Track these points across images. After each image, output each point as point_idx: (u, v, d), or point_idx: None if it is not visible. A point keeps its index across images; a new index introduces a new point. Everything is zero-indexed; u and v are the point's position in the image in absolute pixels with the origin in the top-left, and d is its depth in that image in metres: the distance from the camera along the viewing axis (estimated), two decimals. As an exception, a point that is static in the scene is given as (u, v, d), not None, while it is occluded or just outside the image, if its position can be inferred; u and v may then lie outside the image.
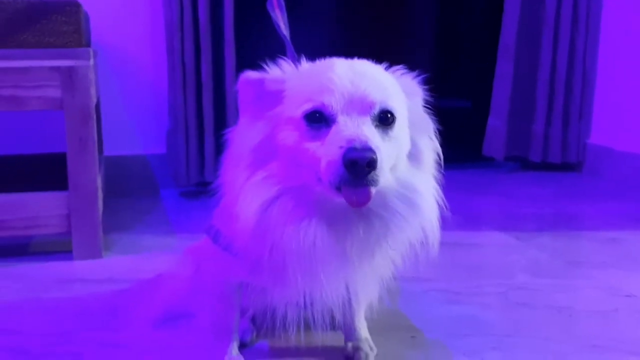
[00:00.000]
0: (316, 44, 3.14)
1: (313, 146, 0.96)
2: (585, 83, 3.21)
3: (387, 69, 1.07)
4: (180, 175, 2.66)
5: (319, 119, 0.97)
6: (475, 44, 3.62)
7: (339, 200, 0.95)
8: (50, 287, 1.68)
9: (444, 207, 1.10)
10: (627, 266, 1.89)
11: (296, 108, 0.98)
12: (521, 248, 2.06)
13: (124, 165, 2.76)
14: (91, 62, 1.85)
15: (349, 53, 1.10)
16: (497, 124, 3.21)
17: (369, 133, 0.95)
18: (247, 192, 0.99)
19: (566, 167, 3.28)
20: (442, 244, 1.11)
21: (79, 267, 1.84)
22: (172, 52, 2.59)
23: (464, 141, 3.42)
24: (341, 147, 0.91)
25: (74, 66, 1.77)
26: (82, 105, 1.80)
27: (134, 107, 2.77)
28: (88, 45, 2.01)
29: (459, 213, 2.45)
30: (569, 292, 1.68)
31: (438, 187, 1.10)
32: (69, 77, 1.77)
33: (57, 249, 1.97)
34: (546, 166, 3.28)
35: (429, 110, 1.11)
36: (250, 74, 1.05)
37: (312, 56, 1.11)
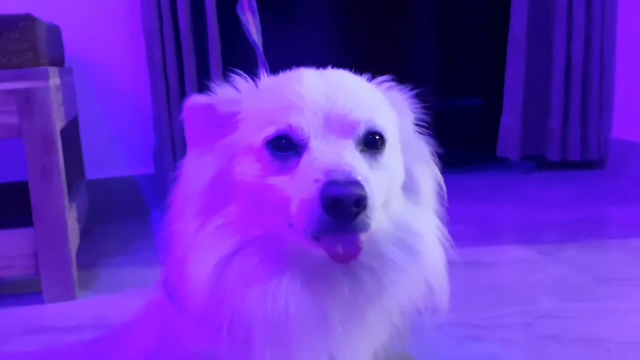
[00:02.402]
0: (308, 45, 2.95)
1: (280, 181, 0.75)
2: (603, 74, 2.99)
3: (369, 80, 0.86)
4: (169, 195, 2.47)
5: (286, 146, 0.76)
6: (484, 39, 3.41)
7: (319, 253, 0.74)
8: (12, 339, 1.50)
9: (451, 249, 0.88)
10: (667, 282, 1.66)
11: (256, 134, 0.78)
12: (544, 264, 1.83)
13: (109, 188, 2.57)
14: (53, 82, 1.66)
15: (346, 55, 0.88)
16: (511, 122, 2.99)
17: (353, 160, 0.74)
18: (198, 247, 0.78)
19: (587, 165, 3.06)
20: (455, 264, 0.91)
21: (48, 312, 1.65)
22: (154, 64, 2.40)
23: (476, 142, 3.24)
24: (317, 180, 0.70)
25: (31, 88, 1.58)
26: (44, 131, 1.60)
27: (117, 125, 2.59)
28: (52, 63, 1.82)
29: (472, 224, 2.23)
30: (603, 319, 1.46)
31: (442, 226, 0.88)
32: (27, 100, 1.57)
33: (29, 289, 1.78)
34: (565, 165, 3.06)
35: (423, 130, 0.89)
36: (198, 99, 0.85)
37: (296, 64, 0.90)
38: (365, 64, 0.91)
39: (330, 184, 0.69)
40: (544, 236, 2.11)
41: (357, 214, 0.69)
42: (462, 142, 3.17)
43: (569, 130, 2.99)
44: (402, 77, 0.95)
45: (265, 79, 0.86)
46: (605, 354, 1.29)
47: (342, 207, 0.68)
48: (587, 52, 2.94)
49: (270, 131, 0.76)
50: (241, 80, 0.85)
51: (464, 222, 2.23)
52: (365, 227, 0.71)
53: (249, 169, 0.77)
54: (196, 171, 0.82)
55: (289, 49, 2.67)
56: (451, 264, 0.90)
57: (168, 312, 0.94)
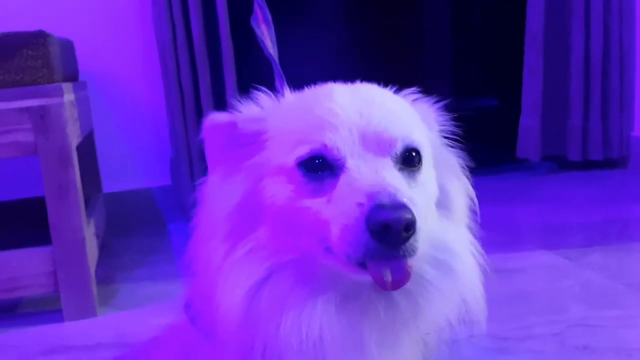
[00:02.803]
0: (319, 50, 2.92)
1: (316, 204, 0.71)
2: (623, 70, 2.93)
3: (396, 93, 0.83)
4: (187, 207, 2.45)
5: (320, 167, 0.72)
6: (499, 37, 3.35)
7: (361, 279, 0.71)
8: (33, 359, 1.48)
9: (486, 266, 0.84)
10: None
11: (286, 153, 0.74)
12: (572, 270, 1.79)
13: (126, 201, 2.56)
14: (67, 98, 1.65)
15: (360, 58, 0.85)
16: (530, 122, 2.94)
17: (395, 180, 0.70)
18: (227, 273, 0.75)
19: (609, 164, 3.00)
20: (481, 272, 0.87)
21: (68, 330, 1.64)
22: (167, 75, 2.39)
23: (494, 143, 3.19)
24: (360, 204, 0.66)
25: (46, 105, 1.56)
26: (59, 148, 1.59)
27: (132, 137, 2.57)
28: (66, 78, 1.81)
29: (494, 229, 2.18)
30: (636, 327, 1.42)
31: (475, 241, 0.85)
32: (41, 118, 1.56)
33: (48, 307, 1.77)
34: (587, 164, 3.00)
35: (452, 142, 0.86)
36: (218, 117, 0.82)
37: (312, 65, 0.86)
38: (380, 68, 0.88)
39: (377, 207, 0.65)
40: (569, 240, 2.06)
41: (407, 239, 0.66)
42: (480, 143, 3.10)
43: (590, 129, 2.93)
44: (417, 80, 0.92)
45: (290, 95, 0.82)
46: (641, 366, 1.25)
47: (392, 232, 0.64)
48: (606, 47, 2.88)
49: (303, 151, 0.72)
50: (264, 97, 0.82)
51: (485, 227, 2.17)
52: (413, 252, 0.67)
53: (280, 191, 0.74)
54: (222, 193, 0.78)
55: (300, 53, 2.65)
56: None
57: (190, 336, 0.91)
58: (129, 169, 2.58)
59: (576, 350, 1.33)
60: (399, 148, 0.73)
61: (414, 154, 0.74)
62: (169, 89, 2.42)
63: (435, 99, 0.85)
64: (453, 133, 0.85)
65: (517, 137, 2.98)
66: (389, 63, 2.99)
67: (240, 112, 0.81)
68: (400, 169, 0.73)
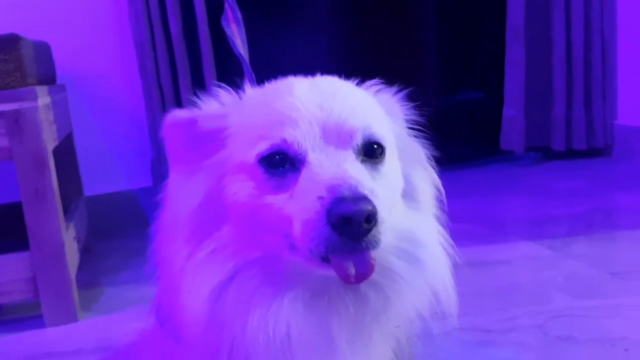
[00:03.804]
0: (302, 46, 2.90)
1: (278, 200, 0.70)
2: (605, 59, 2.93)
3: (358, 85, 0.82)
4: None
5: (281, 162, 0.71)
6: (481, 31, 3.35)
7: (326, 273, 0.70)
8: (14, 367, 1.46)
9: (454, 253, 0.84)
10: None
11: (247, 150, 0.73)
12: (556, 260, 1.78)
13: (109, 204, 2.53)
14: (42, 101, 1.63)
15: (342, 55, 0.83)
16: (513, 114, 2.94)
17: (356, 172, 0.69)
18: (191, 274, 0.74)
19: (593, 153, 3.00)
20: (464, 264, 0.86)
21: (49, 336, 1.61)
22: (146, 75, 2.36)
23: (479, 135, 3.19)
24: (321, 197, 0.65)
25: (19, 109, 1.54)
26: (34, 152, 1.57)
27: (113, 139, 2.55)
28: (41, 81, 1.78)
29: (478, 222, 2.19)
30: (620, 317, 1.41)
31: (444, 231, 0.84)
32: (15, 122, 1.54)
33: (29, 312, 1.74)
34: (571, 154, 3.01)
35: (417, 132, 0.85)
36: (178, 114, 0.80)
37: (286, 67, 0.85)
38: (361, 63, 0.87)
39: (338, 200, 0.64)
40: (554, 230, 2.06)
41: (368, 231, 0.65)
42: (465, 136, 3.12)
43: (573, 118, 2.94)
44: (399, 75, 0.91)
45: (251, 91, 0.81)
46: (624, 354, 1.24)
47: (353, 224, 0.64)
48: (587, 37, 2.89)
49: (263, 147, 0.71)
50: (224, 93, 0.80)
51: (469, 220, 2.18)
52: (376, 244, 0.67)
53: (241, 189, 0.73)
54: (183, 193, 0.77)
55: (285, 48, 2.63)
56: (458, 265, 0.86)
57: (162, 340, 0.89)
58: (110, 172, 2.56)
59: (560, 341, 1.32)
60: (359, 140, 0.72)
61: (375, 145, 0.74)
62: (148, 89, 2.40)
63: (397, 89, 0.83)
64: (418, 122, 0.83)
65: (500, 129, 2.98)
66: (371, 58, 2.97)
67: (200, 109, 0.79)
68: (363, 161, 0.73)
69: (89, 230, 2.29)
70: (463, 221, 2.15)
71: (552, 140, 2.98)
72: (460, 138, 3.03)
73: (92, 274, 2.03)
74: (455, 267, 0.86)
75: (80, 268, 1.92)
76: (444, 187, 0.88)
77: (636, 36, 2.84)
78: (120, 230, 2.49)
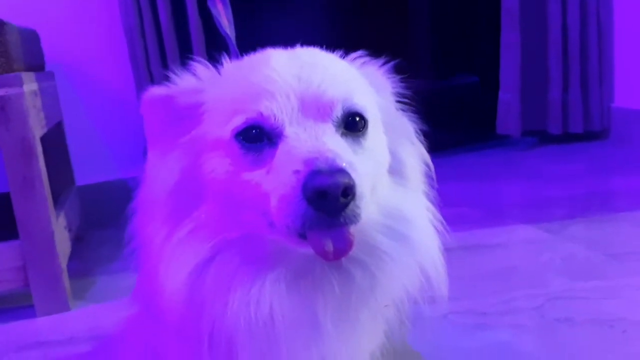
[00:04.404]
0: (295, 26, 2.86)
1: (255, 176, 0.68)
2: (601, 40, 2.90)
3: (342, 57, 0.79)
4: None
5: (257, 137, 0.69)
6: (477, 13, 3.31)
7: (305, 251, 0.67)
8: (4, 356, 1.45)
9: (445, 232, 0.82)
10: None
11: (223, 125, 0.71)
12: (553, 243, 1.76)
13: (101, 193, 2.50)
14: (29, 88, 1.60)
15: (334, 37, 0.81)
16: (509, 98, 2.91)
17: (335, 145, 0.67)
18: (169, 255, 0.72)
19: (590, 136, 2.98)
20: (461, 248, 0.85)
21: (40, 325, 1.59)
22: (136, 62, 2.33)
23: (474, 120, 3.17)
24: (297, 171, 0.63)
25: (5, 95, 1.51)
26: (21, 139, 1.54)
27: (104, 127, 2.51)
28: (29, 68, 1.75)
29: (475, 206, 2.16)
30: (617, 298, 1.39)
31: (432, 207, 0.81)
32: (1, 109, 1.51)
33: (20, 302, 1.72)
34: (568, 138, 2.98)
35: (405, 107, 0.82)
36: (155, 90, 0.78)
37: (289, 41, 0.82)
38: (357, 47, 0.84)
39: (313, 173, 0.62)
40: (551, 213, 2.03)
41: (346, 205, 0.63)
42: (460, 121, 3.10)
43: (570, 101, 2.91)
44: (395, 58, 0.88)
45: (228, 65, 0.78)
46: (621, 335, 1.23)
47: (329, 198, 0.62)
48: (583, 18, 2.85)
49: (239, 121, 0.69)
50: (201, 67, 0.78)
51: (466, 204, 2.16)
52: (355, 219, 0.65)
53: (218, 165, 0.71)
54: (160, 172, 0.75)
55: (267, 33, 2.60)
56: (454, 249, 0.84)
57: (146, 325, 0.87)
58: (102, 161, 2.53)
59: (557, 323, 1.30)
60: (339, 111, 0.70)
61: (357, 118, 0.71)
62: (138, 76, 2.37)
63: (383, 61, 0.81)
64: (405, 96, 0.81)
65: (496, 113, 2.96)
66: (366, 42, 2.94)
67: (177, 84, 0.77)
68: (344, 134, 0.70)
69: (81, 220, 2.26)
70: (459, 205, 2.13)
71: (549, 124, 2.95)
72: (455, 123, 3.00)
73: (84, 263, 2.01)
74: (451, 250, 0.84)
75: (72, 257, 1.90)
76: (439, 172, 0.85)
77: (633, 18, 2.81)
78: (112, 220, 2.45)
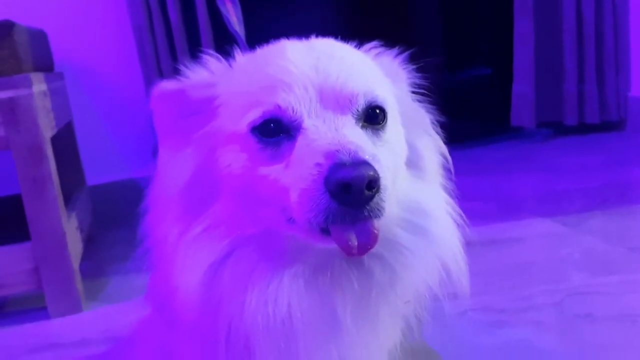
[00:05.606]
0: (306, 19, 2.84)
1: (273, 171, 0.66)
2: (617, 29, 2.85)
3: (357, 48, 0.76)
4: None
5: (275, 130, 0.67)
6: (489, 5, 3.27)
7: (327, 246, 0.65)
8: (18, 358, 1.43)
9: (464, 225, 0.79)
10: None
11: (239, 119, 0.68)
12: (571, 237, 1.73)
13: (113, 193, 2.50)
14: (38, 88, 1.58)
15: (348, 30, 0.78)
16: (523, 89, 2.87)
17: (357, 138, 0.64)
18: (184, 253, 0.70)
19: (607, 126, 2.93)
20: (477, 243, 0.82)
21: (54, 327, 1.59)
22: (145, 61, 2.32)
23: (488, 112, 3.12)
24: (319, 164, 0.61)
25: (14, 97, 1.50)
26: (32, 141, 1.52)
27: (114, 127, 2.51)
28: (38, 69, 1.74)
29: (491, 200, 2.13)
30: (638, 292, 1.35)
31: (451, 200, 0.79)
32: (11, 110, 1.50)
33: (34, 304, 1.71)
34: (584, 128, 2.94)
35: (421, 98, 0.80)
36: (166, 85, 0.76)
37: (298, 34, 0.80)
38: (369, 39, 0.82)
39: (336, 166, 0.60)
40: (568, 206, 2.00)
41: (370, 198, 0.61)
42: (474, 113, 3.06)
43: (585, 92, 2.86)
44: (407, 50, 0.86)
45: (241, 57, 0.76)
46: (645, 331, 1.19)
47: (353, 191, 0.59)
48: (598, 6, 2.81)
49: (255, 114, 0.67)
50: (213, 61, 0.75)
51: (481, 199, 2.13)
52: (379, 212, 0.62)
53: (234, 160, 0.68)
54: (173, 168, 0.73)
55: (276, 32, 2.58)
56: (470, 244, 0.81)
57: (161, 326, 0.86)
58: (113, 160, 2.53)
59: (577, 319, 1.27)
60: (360, 104, 0.67)
61: (377, 110, 0.69)
62: (147, 75, 2.35)
63: (399, 51, 0.78)
64: (422, 87, 0.78)
65: (511, 105, 2.92)
66: (378, 34, 2.91)
67: (189, 78, 0.75)
68: (364, 127, 0.68)
69: (93, 220, 2.26)
70: (474, 199, 2.10)
71: (564, 115, 2.91)
72: (470, 115, 2.96)
73: (97, 263, 2.00)
74: (468, 245, 0.82)
75: (84, 258, 1.89)
76: (454, 165, 0.83)
77: (648, 5, 2.76)
78: (124, 219, 2.45)
